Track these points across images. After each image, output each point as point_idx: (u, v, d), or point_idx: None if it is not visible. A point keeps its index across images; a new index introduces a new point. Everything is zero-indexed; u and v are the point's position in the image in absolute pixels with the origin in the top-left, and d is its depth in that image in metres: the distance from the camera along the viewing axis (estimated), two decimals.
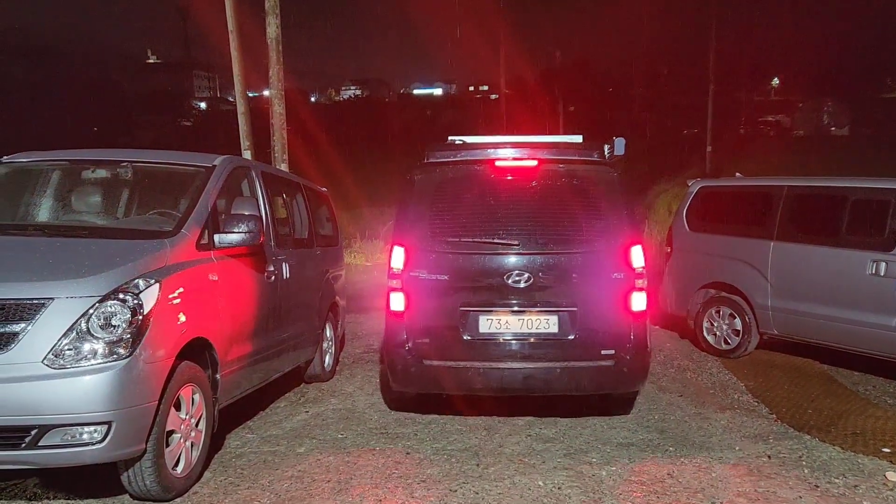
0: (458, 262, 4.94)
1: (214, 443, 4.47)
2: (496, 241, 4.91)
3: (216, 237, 4.40)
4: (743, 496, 4.01)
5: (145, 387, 3.57)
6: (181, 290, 3.96)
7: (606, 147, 5.41)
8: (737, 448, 4.80)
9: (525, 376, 4.92)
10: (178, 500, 3.88)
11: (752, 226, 7.39)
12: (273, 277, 5.22)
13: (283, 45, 11.20)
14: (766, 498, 3.99)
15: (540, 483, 4.16)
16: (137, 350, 3.52)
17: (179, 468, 3.92)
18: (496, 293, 4.90)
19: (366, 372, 6.94)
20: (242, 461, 4.50)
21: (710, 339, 7.72)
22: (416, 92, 79.72)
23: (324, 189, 7.56)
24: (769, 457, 4.64)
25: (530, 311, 4.90)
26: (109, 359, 3.44)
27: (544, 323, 4.90)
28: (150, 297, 3.65)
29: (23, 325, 3.39)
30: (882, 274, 6.22)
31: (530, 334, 4.92)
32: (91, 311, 3.47)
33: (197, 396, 4.08)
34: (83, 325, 3.44)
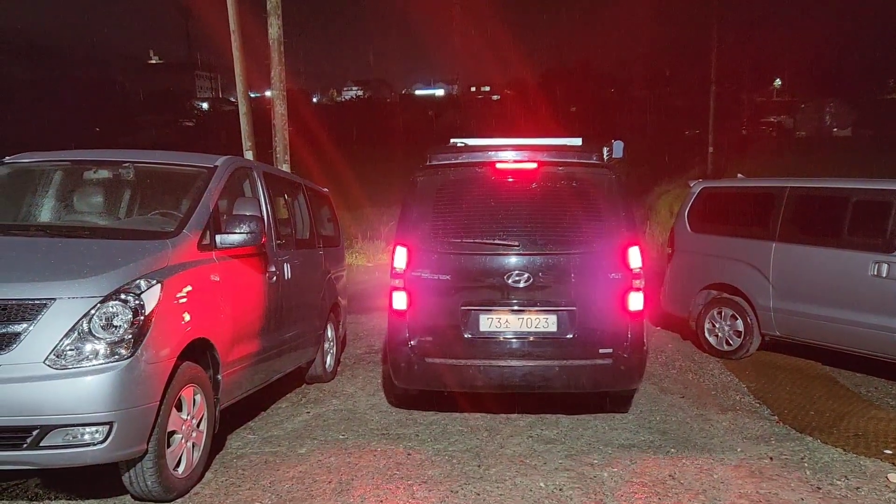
0: (459, 262, 5.04)
1: (216, 443, 4.47)
2: (497, 241, 5.02)
3: (218, 238, 4.40)
4: (744, 498, 4.00)
5: (147, 387, 3.58)
6: (183, 290, 3.96)
7: (605, 150, 5.49)
8: (738, 449, 4.79)
9: (524, 374, 5.00)
10: (179, 500, 3.88)
11: (754, 227, 7.38)
12: (275, 278, 5.23)
13: (285, 46, 11.21)
14: (768, 500, 3.99)
15: (541, 484, 4.16)
16: (139, 350, 3.52)
17: (181, 469, 3.92)
18: (496, 293, 5.00)
19: (367, 373, 6.94)
20: (244, 462, 4.50)
21: (711, 340, 7.71)
22: (417, 92, 79.79)
23: (325, 189, 7.57)
24: (771, 458, 4.63)
25: (530, 311, 5.00)
26: (111, 359, 3.44)
27: (543, 322, 5.00)
28: (151, 298, 3.65)
29: (24, 325, 3.40)
30: (884, 275, 6.21)
31: (530, 333, 5.01)
32: (93, 311, 3.47)
33: (198, 397, 4.08)
34: (85, 326, 3.44)
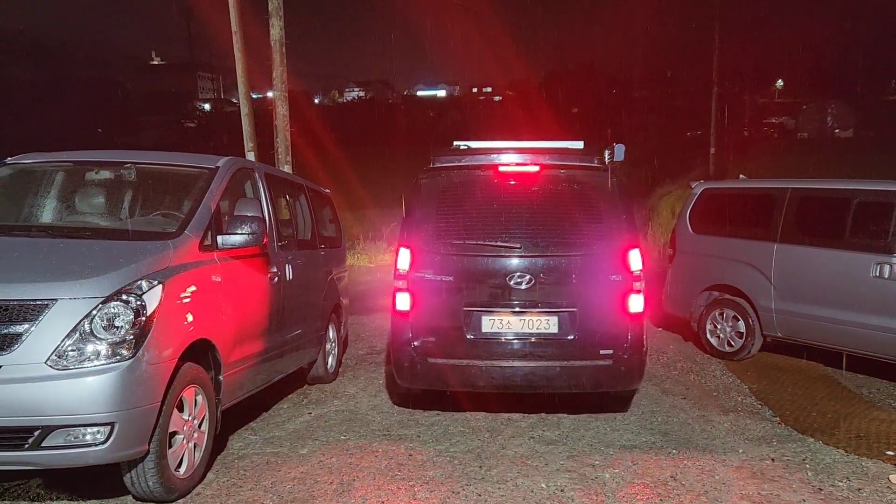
0: (461, 263, 5.11)
1: (217, 444, 4.47)
2: (499, 243, 5.09)
3: (219, 238, 4.40)
4: (746, 499, 4.00)
5: (148, 388, 3.58)
6: (184, 291, 3.96)
7: (607, 152, 5.51)
8: (740, 451, 4.79)
9: (526, 374, 5.07)
10: (180, 501, 3.89)
11: (756, 228, 7.38)
12: (276, 279, 5.23)
13: (287, 47, 11.22)
14: (770, 501, 3.98)
15: (543, 485, 4.15)
16: (140, 351, 3.52)
17: (182, 469, 3.93)
18: (498, 294, 5.07)
19: (369, 373, 6.94)
20: (245, 462, 4.50)
21: (713, 341, 7.70)
22: (419, 93, 79.80)
23: (327, 190, 7.57)
24: (773, 459, 4.62)
25: (531, 312, 5.06)
26: (112, 360, 3.45)
27: (545, 323, 5.07)
28: (153, 299, 3.65)
29: (26, 325, 3.40)
30: (886, 276, 6.20)
31: (531, 334, 5.08)
32: (94, 312, 3.47)
33: (200, 398, 4.08)
34: (86, 326, 3.44)
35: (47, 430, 3.35)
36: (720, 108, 28.25)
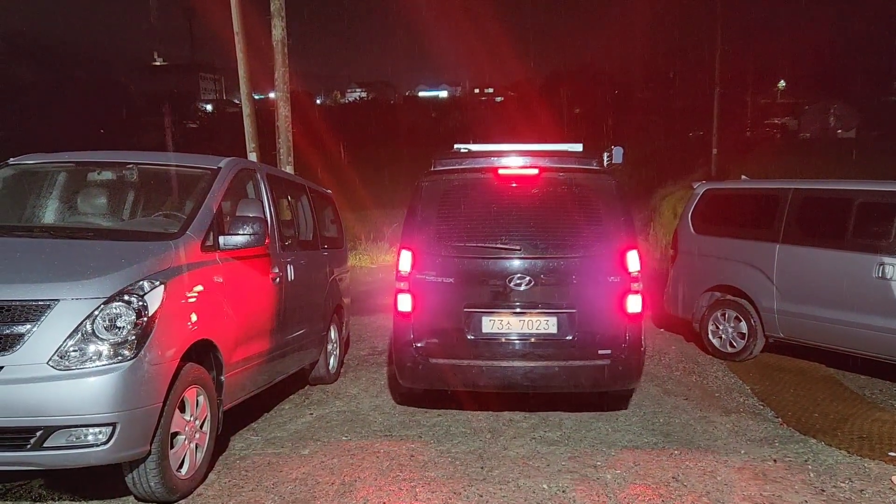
0: (462, 265, 5.18)
1: (219, 445, 4.47)
2: (499, 245, 5.17)
3: (221, 239, 4.41)
4: (748, 500, 3.99)
5: (150, 388, 3.58)
6: (186, 291, 3.97)
7: (606, 155, 5.65)
8: (742, 451, 4.78)
9: (526, 374, 5.12)
10: (182, 501, 3.89)
11: (758, 228, 7.36)
12: (278, 279, 5.23)
13: (289, 48, 11.23)
14: (772, 502, 3.98)
15: (544, 486, 4.15)
16: (142, 352, 3.52)
17: (184, 470, 3.93)
18: (499, 295, 5.13)
19: (370, 374, 6.94)
20: (246, 463, 4.50)
21: (715, 342, 7.69)
22: (421, 94, 79.83)
23: (328, 191, 7.57)
24: (775, 460, 4.62)
25: (531, 313, 5.12)
26: (114, 360, 3.45)
27: (544, 324, 5.13)
28: (154, 299, 3.65)
29: (28, 326, 3.40)
30: (888, 277, 6.19)
31: (531, 334, 5.14)
32: (96, 312, 3.47)
33: (201, 398, 4.09)
34: (88, 327, 3.44)
35: (49, 430, 3.35)
36: (722, 108, 28.24)
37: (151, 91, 63.63)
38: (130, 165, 5.02)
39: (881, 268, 6.24)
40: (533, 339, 5.13)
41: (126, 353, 3.48)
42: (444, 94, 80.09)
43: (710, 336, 7.73)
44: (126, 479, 3.71)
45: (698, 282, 7.89)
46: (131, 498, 3.85)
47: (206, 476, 4.19)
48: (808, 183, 7.33)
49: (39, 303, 3.44)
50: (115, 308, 3.52)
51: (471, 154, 5.75)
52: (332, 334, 6.69)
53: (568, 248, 5.17)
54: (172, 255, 3.97)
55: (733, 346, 7.53)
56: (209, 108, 71.18)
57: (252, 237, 4.46)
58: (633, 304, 5.11)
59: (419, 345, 5.20)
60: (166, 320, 3.71)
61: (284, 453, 4.69)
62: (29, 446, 3.36)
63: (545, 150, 5.71)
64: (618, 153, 5.57)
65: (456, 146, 6.04)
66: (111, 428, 3.42)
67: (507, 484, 4.18)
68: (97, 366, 3.41)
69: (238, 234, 4.44)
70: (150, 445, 3.61)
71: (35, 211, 4.95)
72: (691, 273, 8.04)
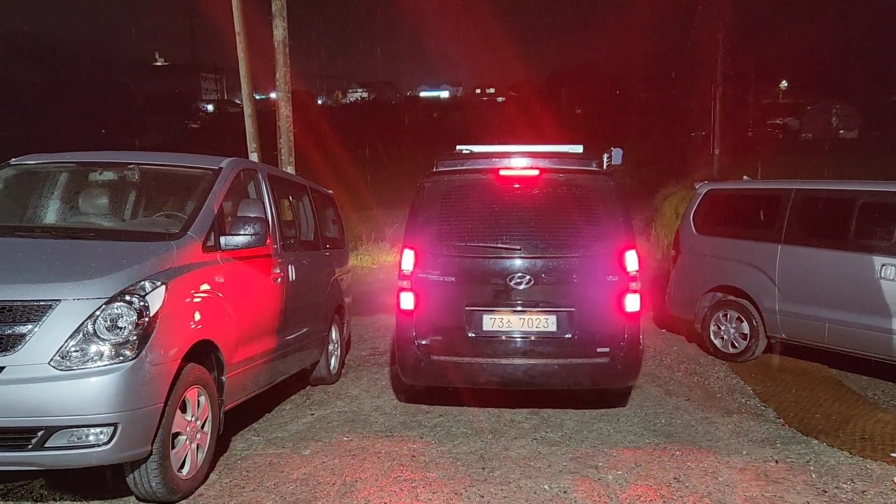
0: (463, 264, 5.26)
1: (220, 445, 4.47)
2: (500, 245, 5.26)
3: (222, 239, 4.40)
4: (750, 501, 3.98)
5: (151, 388, 3.58)
6: (187, 292, 3.97)
7: (606, 156, 5.70)
8: (744, 452, 4.77)
9: (525, 371, 5.22)
10: (183, 501, 3.89)
11: (760, 229, 7.36)
12: (279, 280, 5.23)
13: (290, 48, 11.22)
14: (774, 503, 3.97)
15: (545, 487, 4.15)
16: (143, 352, 3.52)
17: (185, 470, 3.93)
18: (499, 294, 5.21)
19: (371, 374, 6.94)
20: (248, 463, 4.50)
21: (717, 342, 7.68)
22: (422, 94, 79.82)
23: (330, 191, 7.57)
24: (777, 461, 4.61)
25: (531, 311, 5.21)
26: (115, 360, 3.45)
27: (544, 322, 5.21)
28: (156, 299, 3.65)
29: (30, 326, 3.40)
30: (891, 277, 6.18)
31: (531, 332, 5.23)
32: (97, 312, 3.47)
33: (203, 398, 4.09)
34: (89, 327, 3.44)
35: (51, 430, 3.36)
36: (724, 108, 28.19)
37: (152, 91, 63.67)
38: (132, 166, 5.01)
39: (883, 268, 6.23)
40: (533, 337, 5.21)
41: (127, 353, 3.48)
42: (445, 94, 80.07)
43: (712, 336, 7.72)
44: (127, 479, 3.71)
45: (700, 282, 7.88)
46: (132, 498, 3.85)
47: (207, 476, 4.19)
48: (810, 183, 7.32)
49: (41, 303, 3.44)
50: (117, 308, 3.51)
51: (472, 155, 5.82)
52: (334, 334, 6.69)
53: (567, 247, 5.24)
54: (174, 255, 3.97)
55: (735, 347, 7.52)
56: (210, 108, 71.21)
57: (253, 237, 4.46)
58: (632, 303, 5.18)
59: (421, 342, 5.28)
60: (168, 320, 3.71)
61: (285, 454, 4.69)
62: (30, 446, 3.36)
63: (546, 152, 5.78)
64: (617, 155, 5.66)
65: (458, 147, 6.11)
66: (112, 428, 3.42)
67: (508, 484, 4.17)
68: (98, 366, 3.41)
69: (239, 235, 4.44)
70: (152, 446, 3.61)
71: (36, 211, 4.95)
72: (693, 273, 8.03)
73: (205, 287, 4.16)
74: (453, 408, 5.72)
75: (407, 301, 5.30)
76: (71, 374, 3.38)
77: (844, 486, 4.22)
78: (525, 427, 5.28)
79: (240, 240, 4.44)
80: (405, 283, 5.30)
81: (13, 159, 5.12)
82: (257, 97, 13.07)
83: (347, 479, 4.24)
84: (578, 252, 5.23)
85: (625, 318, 5.19)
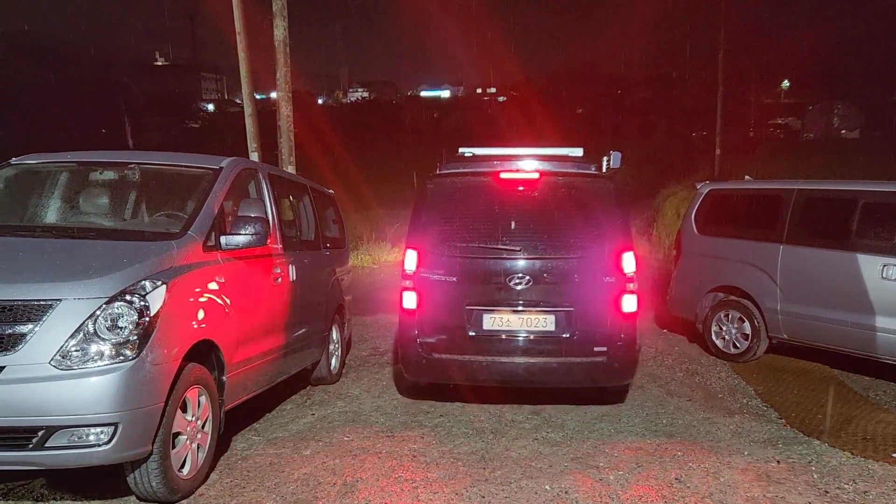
0: (465, 264, 5.38)
1: (220, 445, 4.47)
2: (500, 246, 5.38)
3: (223, 239, 4.40)
4: (752, 501, 3.97)
5: (152, 388, 3.57)
6: (188, 291, 3.96)
7: (605, 159, 5.78)
8: (745, 453, 4.77)
9: (524, 369, 5.33)
10: (183, 501, 3.89)
11: (762, 229, 7.34)
12: (280, 279, 5.23)
13: (291, 47, 11.21)
14: (775, 503, 3.96)
15: (546, 487, 4.14)
16: (144, 352, 3.52)
17: (185, 470, 3.92)
18: (499, 294, 5.33)
19: (372, 374, 6.93)
20: (248, 463, 4.50)
21: (718, 343, 7.67)
22: (423, 94, 79.76)
23: (330, 191, 7.57)
24: (778, 462, 4.60)
25: (530, 311, 5.33)
26: (116, 360, 3.44)
27: (542, 321, 5.33)
28: (156, 299, 3.65)
29: (30, 325, 3.40)
30: (893, 278, 6.17)
31: (530, 331, 5.34)
32: (98, 312, 3.47)
33: (203, 398, 4.08)
34: (90, 327, 3.44)
35: (51, 430, 3.35)
36: (725, 108, 28.18)
37: (153, 91, 63.65)
38: (132, 165, 5.01)
39: (885, 268, 6.22)
40: (532, 336, 5.32)
41: (128, 353, 3.47)
42: (446, 94, 79.96)
43: (714, 337, 7.71)
44: (128, 479, 3.71)
45: (701, 282, 7.87)
46: (133, 498, 3.85)
47: (207, 476, 4.19)
48: (812, 183, 7.31)
49: (41, 302, 3.44)
50: (117, 308, 3.51)
51: (474, 158, 5.98)
52: (334, 334, 6.68)
53: (566, 249, 5.36)
54: (174, 255, 3.97)
55: (737, 347, 7.51)
56: (211, 107, 71.19)
57: (254, 237, 4.45)
58: (629, 303, 5.29)
59: (423, 340, 5.39)
60: (168, 320, 3.70)
61: (286, 453, 4.68)
62: (31, 446, 3.36)
63: (546, 155, 5.87)
64: (616, 158, 5.80)
65: (461, 150, 6.23)
66: (113, 428, 3.41)
67: (509, 485, 4.16)
68: (99, 366, 3.41)
69: (240, 234, 4.43)
70: (152, 445, 3.60)
71: (37, 211, 4.95)
72: (694, 274, 8.02)
73: (205, 287, 4.15)
74: (454, 408, 5.72)
75: (410, 300, 5.41)
76: (71, 373, 3.37)
77: (846, 486, 4.21)
78: (526, 427, 5.27)
79: (240, 239, 4.43)
80: (408, 283, 5.42)
81: (14, 159, 5.12)
82: (258, 97, 13.06)
83: (348, 479, 4.24)
84: (577, 253, 5.34)
85: (622, 318, 5.29)
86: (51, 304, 3.44)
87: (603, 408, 5.76)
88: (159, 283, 3.71)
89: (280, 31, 11.01)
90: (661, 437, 5.10)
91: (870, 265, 6.33)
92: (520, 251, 5.33)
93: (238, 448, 4.78)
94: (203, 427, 4.10)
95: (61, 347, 3.39)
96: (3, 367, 3.35)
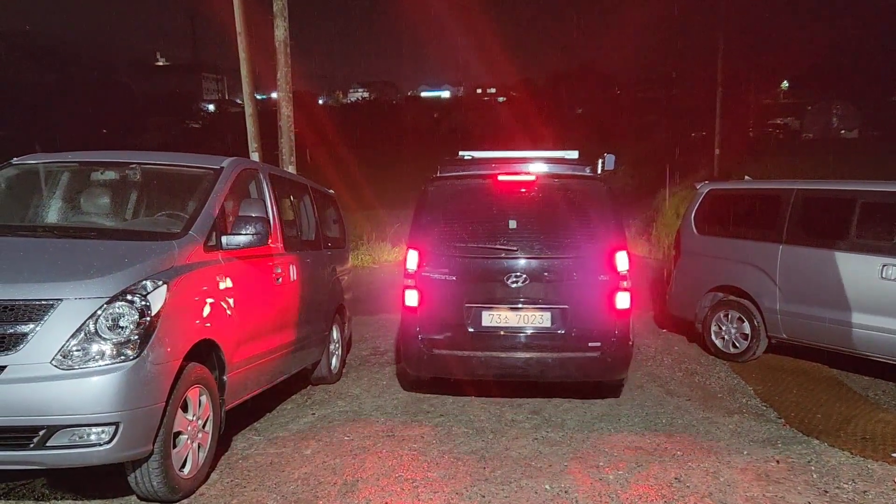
0: (464, 264, 5.57)
1: (221, 444, 4.48)
2: (498, 246, 5.56)
3: (224, 239, 4.41)
4: (751, 501, 3.98)
5: (153, 388, 3.58)
6: (189, 291, 3.97)
7: (600, 161, 6.03)
8: (745, 452, 4.77)
9: (522, 364, 5.52)
10: (184, 501, 3.89)
11: (761, 229, 7.35)
12: (280, 279, 5.24)
13: (291, 48, 11.22)
14: (775, 503, 3.97)
15: (546, 486, 4.15)
16: (145, 351, 3.53)
17: (186, 469, 3.93)
18: (497, 292, 5.52)
19: (372, 374, 6.94)
20: (249, 463, 4.50)
21: (718, 342, 7.68)
22: (423, 94, 79.76)
23: (331, 191, 7.58)
24: (777, 461, 4.61)
25: (527, 308, 5.53)
26: (117, 360, 3.45)
27: (539, 318, 5.52)
28: (157, 299, 3.66)
29: (32, 325, 3.41)
30: (892, 278, 6.17)
31: (526, 328, 5.53)
32: (99, 312, 3.48)
33: (204, 398, 4.09)
34: (91, 326, 3.45)
35: (52, 429, 3.36)
36: (725, 108, 28.19)
37: (154, 91, 63.67)
38: (133, 165, 5.02)
39: (885, 268, 6.23)
40: (528, 332, 5.51)
41: (129, 352, 3.48)
42: (446, 94, 79.92)
43: (713, 337, 7.72)
44: (129, 478, 3.72)
45: (701, 282, 7.88)
46: (134, 497, 3.85)
47: (208, 475, 4.20)
48: (811, 183, 7.32)
49: (43, 302, 3.45)
50: (118, 308, 3.52)
51: (474, 161, 6.23)
52: (335, 334, 6.69)
53: (562, 248, 5.55)
54: (175, 254, 3.98)
55: (736, 347, 7.51)
56: (211, 108, 71.21)
57: (254, 237, 4.46)
58: (622, 300, 5.47)
59: (425, 337, 5.59)
60: (169, 320, 3.71)
61: (287, 453, 4.69)
62: (32, 445, 3.36)
63: (542, 157, 6.09)
64: (610, 160, 6.02)
65: (461, 153, 6.48)
66: (114, 427, 3.42)
67: (509, 484, 4.17)
68: (100, 365, 3.42)
69: (241, 234, 4.44)
70: (153, 445, 3.61)
71: (38, 210, 4.96)
72: (694, 273, 8.02)
73: (206, 286, 4.16)
74: (454, 407, 5.74)
75: (411, 298, 5.61)
76: (72, 373, 3.38)
77: (845, 486, 4.22)
78: (526, 427, 5.28)
79: (241, 239, 4.44)
80: (410, 282, 5.61)
81: (15, 159, 5.13)
82: (258, 97, 13.07)
83: (348, 478, 4.25)
84: (572, 252, 5.53)
85: (615, 315, 5.47)
86: (52, 304, 3.45)
87: (603, 407, 5.77)
88: (160, 282, 3.72)
89: (281, 31, 11.02)
90: (661, 436, 5.11)
91: (869, 265, 6.34)
92: (517, 251, 5.51)
93: (239, 447, 4.79)
94: (204, 426, 4.11)
95: (62, 347, 3.40)
96: (5, 367, 3.36)
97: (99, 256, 3.82)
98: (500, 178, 5.74)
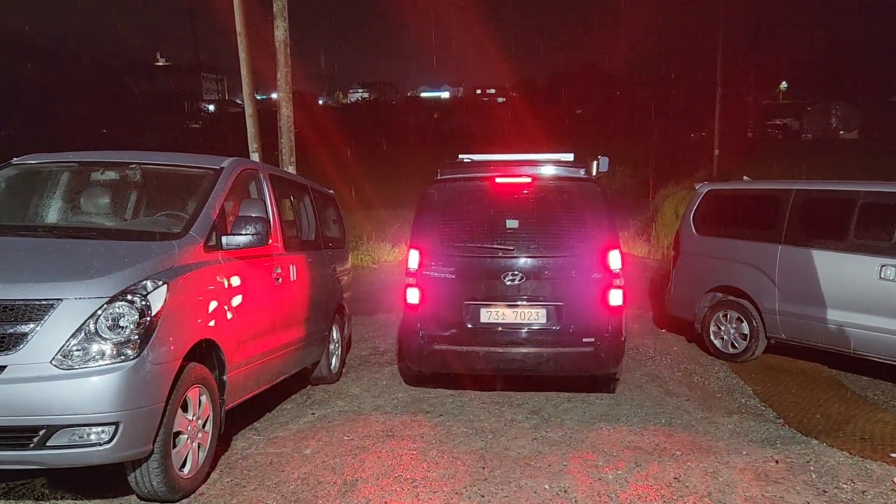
0: (463, 263, 5.76)
1: (221, 444, 4.48)
2: (496, 245, 5.76)
3: (224, 239, 4.41)
4: (750, 501, 3.99)
5: (153, 388, 3.59)
6: (189, 291, 3.97)
7: (595, 163, 6.23)
8: (744, 452, 4.78)
9: (518, 359, 5.71)
10: (184, 500, 3.90)
11: (760, 229, 7.36)
12: (280, 279, 5.24)
13: (292, 48, 11.22)
14: (774, 503, 3.98)
15: (546, 486, 4.15)
16: (145, 351, 3.53)
17: (186, 469, 3.94)
18: (495, 289, 5.71)
19: (372, 374, 6.95)
20: (249, 462, 4.51)
21: (717, 343, 7.69)
22: (423, 95, 79.77)
23: (331, 191, 7.58)
24: (776, 461, 4.62)
25: (523, 305, 5.72)
26: (117, 360, 3.46)
27: (534, 315, 5.71)
28: (157, 299, 3.66)
29: (32, 325, 3.41)
30: (891, 278, 6.18)
31: (523, 324, 5.72)
32: (99, 312, 3.48)
33: (204, 398, 4.09)
34: (91, 326, 3.45)
35: (52, 429, 3.37)
36: (724, 109, 28.21)
37: (154, 91, 63.69)
38: (133, 165, 5.02)
39: (883, 269, 6.23)
40: (525, 328, 5.70)
41: (129, 352, 3.49)
42: (445, 94, 79.98)
43: (712, 337, 7.73)
44: (129, 478, 3.72)
45: (700, 282, 7.88)
46: (134, 497, 3.86)
47: (208, 475, 4.20)
48: (811, 184, 7.32)
49: (43, 302, 3.45)
50: (118, 307, 3.52)
51: (472, 163, 6.48)
52: (334, 334, 6.70)
53: (557, 248, 5.73)
54: (175, 254, 3.98)
55: (735, 347, 7.52)
56: (211, 108, 71.22)
57: (254, 237, 4.46)
58: (615, 297, 5.65)
59: (425, 332, 5.79)
60: (169, 320, 3.72)
61: (286, 453, 4.70)
62: (32, 445, 3.37)
63: (539, 160, 6.28)
64: (604, 162, 6.27)
65: (460, 156, 6.67)
66: (114, 427, 3.43)
67: (508, 484, 4.18)
68: (100, 365, 3.42)
69: (241, 234, 4.45)
70: (153, 445, 3.61)
71: (38, 210, 4.96)
72: (693, 274, 8.03)
73: (206, 286, 4.17)
74: (454, 407, 5.75)
75: (413, 296, 5.82)
76: (72, 373, 3.39)
77: (844, 486, 4.23)
78: (525, 427, 5.29)
79: (241, 239, 4.45)
80: (411, 280, 5.82)
81: (15, 159, 5.13)
82: (258, 97, 13.07)
83: (348, 478, 4.25)
84: (567, 252, 5.71)
85: (608, 312, 5.65)
86: (52, 304, 3.45)
87: (602, 407, 5.78)
88: (160, 282, 3.72)
89: (281, 31, 11.01)
90: (660, 436, 5.11)
91: (868, 266, 6.35)
92: (514, 250, 5.71)
93: (238, 447, 4.80)
94: (204, 426, 4.11)
95: (62, 347, 3.41)
96: (5, 367, 3.36)
97: (99, 256, 3.82)
98: (498, 180, 5.93)
